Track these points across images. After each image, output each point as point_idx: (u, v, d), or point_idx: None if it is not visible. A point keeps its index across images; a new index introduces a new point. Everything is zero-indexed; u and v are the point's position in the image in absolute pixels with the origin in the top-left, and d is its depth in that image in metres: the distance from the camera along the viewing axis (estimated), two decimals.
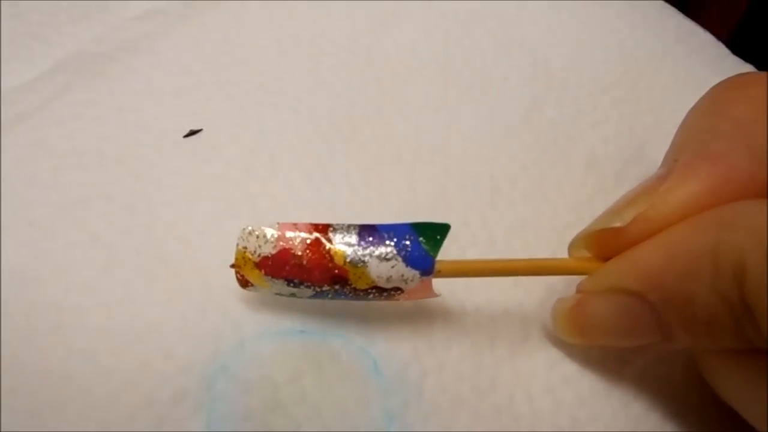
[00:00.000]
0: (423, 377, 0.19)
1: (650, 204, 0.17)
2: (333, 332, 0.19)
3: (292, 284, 0.18)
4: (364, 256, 0.17)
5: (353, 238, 0.18)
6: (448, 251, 0.18)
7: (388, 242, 0.17)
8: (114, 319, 0.18)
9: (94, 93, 0.23)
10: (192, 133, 0.22)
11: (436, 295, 0.18)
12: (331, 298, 0.18)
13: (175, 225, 0.20)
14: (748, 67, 0.27)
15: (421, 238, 0.18)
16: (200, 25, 0.25)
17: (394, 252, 0.17)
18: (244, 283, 0.18)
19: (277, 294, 0.18)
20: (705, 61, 0.27)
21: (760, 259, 0.14)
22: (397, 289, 0.18)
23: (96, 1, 0.25)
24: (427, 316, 0.20)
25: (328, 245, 0.18)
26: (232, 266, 0.18)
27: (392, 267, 0.17)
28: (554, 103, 0.25)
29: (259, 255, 0.18)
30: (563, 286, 0.20)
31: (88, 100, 0.22)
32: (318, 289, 0.18)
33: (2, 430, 0.17)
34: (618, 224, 0.17)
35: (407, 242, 0.17)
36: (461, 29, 0.26)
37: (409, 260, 0.17)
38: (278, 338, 0.19)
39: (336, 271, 0.17)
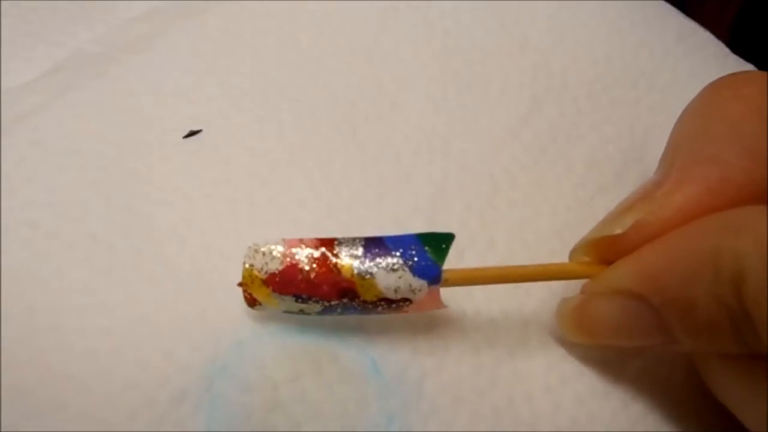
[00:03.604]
0: (422, 377, 0.19)
1: (649, 209, 0.17)
2: (332, 332, 0.19)
3: (300, 300, 0.18)
4: (371, 267, 0.17)
5: (359, 251, 0.18)
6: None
7: (394, 253, 0.18)
8: (114, 319, 0.18)
9: (94, 93, 0.22)
10: (192, 133, 0.22)
11: (444, 307, 0.18)
12: (340, 313, 0.18)
13: (175, 225, 0.20)
14: (748, 67, 0.27)
15: (426, 248, 0.18)
16: (200, 25, 0.25)
17: (401, 262, 0.17)
18: (251, 302, 0.18)
19: (285, 312, 0.18)
20: (705, 61, 0.27)
21: (759, 267, 0.14)
22: (406, 300, 0.18)
23: (96, 1, 0.25)
24: (426, 317, 0.20)
25: (334, 260, 0.18)
26: (240, 285, 0.18)
27: (399, 278, 0.17)
28: (554, 103, 0.25)
29: (266, 272, 0.18)
30: (562, 288, 0.20)
31: (88, 100, 0.22)
32: (326, 304, 0.18)
33: (2, 430, 0.17)
34: (618, 231, 0.17)
35: (413, 252, 0.18)
36: (461, 29, 0.26)
37: (416, 270, 0.17)
38: (278, 338, 0.19)
39: (344, 284, 0.17)
